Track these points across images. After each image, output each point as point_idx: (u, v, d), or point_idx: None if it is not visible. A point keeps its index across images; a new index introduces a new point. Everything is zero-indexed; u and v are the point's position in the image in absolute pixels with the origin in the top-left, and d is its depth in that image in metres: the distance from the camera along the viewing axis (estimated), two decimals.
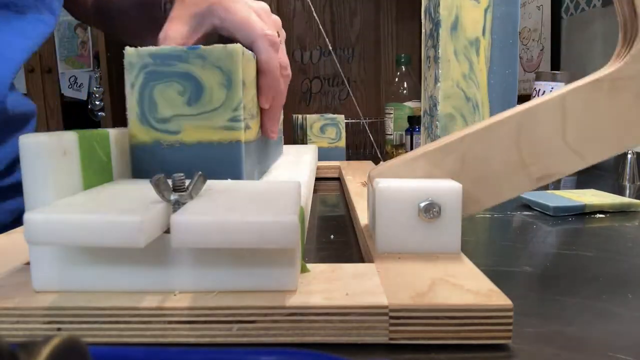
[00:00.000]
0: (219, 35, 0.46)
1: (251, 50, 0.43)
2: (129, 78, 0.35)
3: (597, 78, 0.31)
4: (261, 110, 0.46)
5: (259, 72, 0.44)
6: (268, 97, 0.45)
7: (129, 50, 0.35)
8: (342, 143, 1.01)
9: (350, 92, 2.05)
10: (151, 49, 0.35)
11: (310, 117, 1.02)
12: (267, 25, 0.45)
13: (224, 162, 0.36)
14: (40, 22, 0.54)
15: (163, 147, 0.36)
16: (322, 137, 1.00)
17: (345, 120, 1.03)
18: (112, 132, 0.33)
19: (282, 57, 0.47)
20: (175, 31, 0.45)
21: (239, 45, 0.36)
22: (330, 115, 1.01)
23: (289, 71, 0.49)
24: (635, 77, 0.31)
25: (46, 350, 0.12)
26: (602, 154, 0.32)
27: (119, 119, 2.23)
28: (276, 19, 0.49)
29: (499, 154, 0.33)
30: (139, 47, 0.36)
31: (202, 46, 0.35)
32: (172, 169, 0.31)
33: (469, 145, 0.33)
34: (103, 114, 2.33)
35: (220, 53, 0.35)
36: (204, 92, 0.35)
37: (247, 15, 0.44)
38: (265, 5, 0.48)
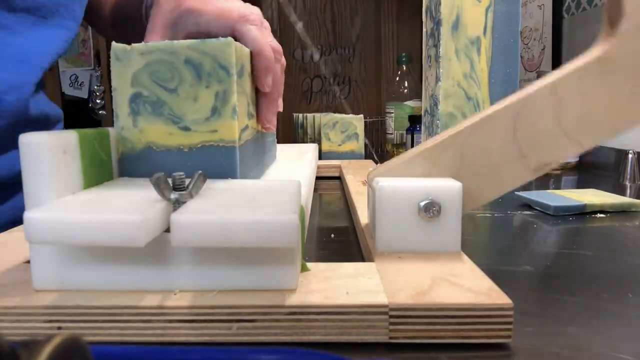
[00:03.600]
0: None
1: (236, 39, 0.38)
2: (117, 77, 0.33)
3: (587, 62, 0.31)
4: (257, 99, 0.43)
5: (251, 55, 0.41)
6: (266, 80, 0.42)
7: (116, 46, 0.33)
8: (360, 146, 0.92)
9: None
10: (142, 45, 0.33)
11: (324, 118, 0.93)
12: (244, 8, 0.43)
13: (217, 167, 0.33)
14: (62, 28, 0.55)
15: (155, 152, 0.33)
16: (336, 140, 0.93)
17: None
18: (113, 131, 0.34)
19: (273, 41, 0.45)
20: None
21: (230, 39, 0.33)
22: (345, 116, 0.93)
23: (283, 59, 0.47)
24: (623, 58, 0.30)
25: (47, 349, 0.12)
26: (597, 138, 0.32)
27: None
28: (256, 8, 0.45)
29: (496, 146, 0.33)
30: (127, 44, 0.33)
31: (195, 40, 0.33)
32: (167, 172, 0.28)
33: (465, 139, 0.33)
34: (104, 112, 2.34)
35: (213, 46, 0.33)
36: (197, 90, 0.33)
37: (219, 5, 0.43)
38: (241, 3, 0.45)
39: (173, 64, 0.33)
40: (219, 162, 0.34)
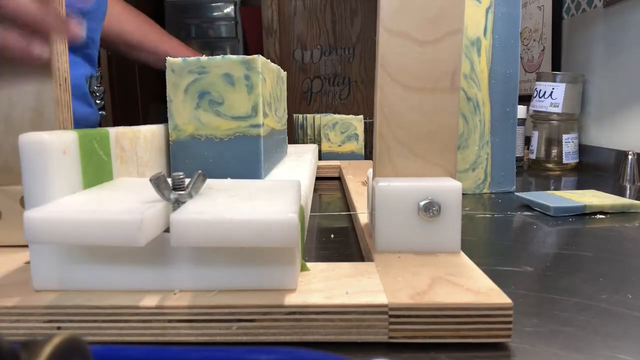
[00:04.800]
0: None
1: None
2: (173, 83, 0.42)
3: None
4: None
5: None
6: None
7: (171, 60, 0.42)
8: (360, 147, 0.92)
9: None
10: (194, 60, 0.42)
11: (324, 118, 0.92)
12: None
13: (245, 153, 0.43)
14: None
15: (200, 141, 0.43)
16: (336, 141, 0.93)
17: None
18: (113, 131, 0.34)
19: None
20: None
21: (260, 56, 0.42)
22: (345, 116, 0.92)
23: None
24: None
25: (47, 349, 0.12)
26: None
27: (120, 118, 2.23)
28: None
29: None
30: (181, 58, 0.42)
31: (229, 56, 0.41)
32: (206, 159, 0.43)
33: None
34: (104, 113, 2.33)
35: (242, 62, 0.42)
36: (231, 93, 0.42)
37: None
38: None
39: (210, 77, 0.42)
40: (246, 149, 0.43)
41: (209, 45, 2.53)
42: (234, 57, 0.42)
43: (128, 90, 2.39)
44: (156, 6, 2.46)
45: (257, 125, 0.43)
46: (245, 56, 0.42)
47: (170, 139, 0.43)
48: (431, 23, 0.33)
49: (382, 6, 0.33)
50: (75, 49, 0.66)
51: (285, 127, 0.64)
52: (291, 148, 0.77)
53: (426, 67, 0.33)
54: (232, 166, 0.43)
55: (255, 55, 0.42)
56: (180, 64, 0.42)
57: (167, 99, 0.43)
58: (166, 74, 0.42)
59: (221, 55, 0.42)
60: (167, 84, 0.42)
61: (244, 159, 0.43)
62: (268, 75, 0.47)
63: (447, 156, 0.34)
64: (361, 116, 0.94)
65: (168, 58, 0.42)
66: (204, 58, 0.42)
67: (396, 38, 0.33)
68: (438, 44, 0.33)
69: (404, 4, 0.32)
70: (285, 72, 0.65)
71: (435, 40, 0.33)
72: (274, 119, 0.51)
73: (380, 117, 0.33)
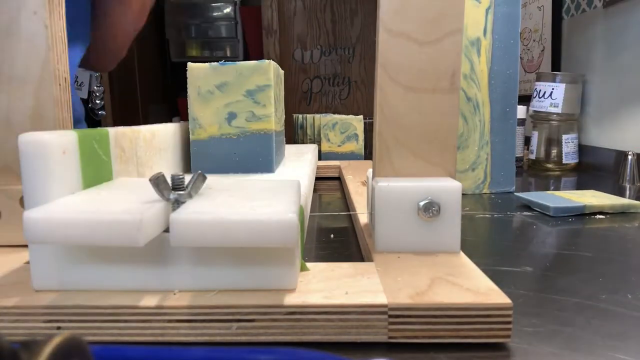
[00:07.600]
0: None
1: None
2: (195, 87, 0.48)
3: None
4: None
5: None
6: None
7: (192, 66, 0.48)
8: (360, 147, 0.92)
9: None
10: (216, 66, 0.48)
11: (324, 119, 0.92)
12: None
13: (259, 148, 0.50)
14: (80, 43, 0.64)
15: (221, 139, 0.49)
16: (336, 141, 0.93)
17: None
18: (113, 131, 0.34)
19: None
20: None
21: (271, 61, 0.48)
22: (345, 117, 0.92)
23: None
24: None
25: (48, 349, 0.12)
26: None
27: (120, 118, 2.23)
28: None
29: None
30: (203, 64, 0.48)
31: (239, 63, 0.48)
32: (225, 154, 0.49)
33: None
34: (103, 112, 2.33)
35: (254, 67, 0.48)
36: (249, 94, 0.48)
37: None
38: None
39: (226, 80, 0.49)
40: (260, 145, 0.50)
41: (209, 45, 2.53)
42: (253, 67, 0.48)
43: (128, 90, 2.39)
44: (156, 6, 2.46)
45: (270, 124, 0.50)
46: (260, 64, 0.48)
47: (190, 137, 0.49)
48: (431, 23, 0.33)
49: (382, 6, 0.33)
50: None
51: (283, 128, 0.64)
52: (291, 148, 0.77)
53: (426, 67, 0.33)
54: (246, 162, 0.50)
55: (267, 61, 0.48)
56: (206, 71, 0.48)
57: (189, 100, 0.48)
58: (189, 79, 0.48)
59: (235, 63, 0.48)
60: (190, 87, 0.48)
61: (257, 155, 0.50)
62: (274, 79, 0.51)
63: (447, 156, 0.34)
64: (361, 116, 0.94)
65: (190, 64, 0.48)
66: (228, 68, 0.48)
67: (396, 38, 0.33)
68: (438, 45, 0.33)
69: (404, 4, 0.32)
70: (283, 70, 0.65)
71: (436, 40, 0.33)
72: (274, 120, 0.53)
73: (380, 117, 0.34)
